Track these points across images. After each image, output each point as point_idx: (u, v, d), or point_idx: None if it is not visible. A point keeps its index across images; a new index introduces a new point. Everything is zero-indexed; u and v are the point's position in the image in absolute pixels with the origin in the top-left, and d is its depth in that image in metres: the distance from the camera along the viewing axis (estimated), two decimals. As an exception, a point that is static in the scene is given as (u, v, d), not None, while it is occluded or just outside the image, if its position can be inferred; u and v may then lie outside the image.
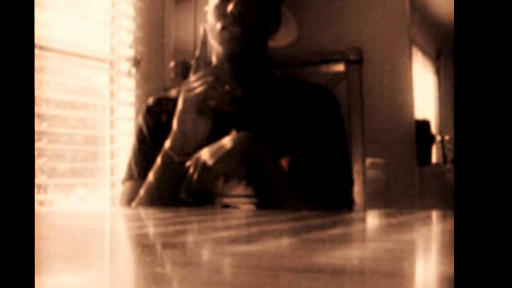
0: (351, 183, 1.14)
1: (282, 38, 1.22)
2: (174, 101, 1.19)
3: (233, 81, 1.14)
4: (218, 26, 1.10)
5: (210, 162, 0.97)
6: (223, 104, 0.99)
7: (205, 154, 0.99)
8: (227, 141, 1.00)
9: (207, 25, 1.16)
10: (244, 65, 1.14)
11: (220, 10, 1.10)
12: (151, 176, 1.02)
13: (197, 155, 0.99)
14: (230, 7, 1.07)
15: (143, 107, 1.21)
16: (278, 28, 1.19)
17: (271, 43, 1.20)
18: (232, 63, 1.13)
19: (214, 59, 1.17)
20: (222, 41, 1.10)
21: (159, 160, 1.02)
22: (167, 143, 1.02)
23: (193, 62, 1.41)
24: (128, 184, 1.15)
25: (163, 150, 1.03)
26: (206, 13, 1.19)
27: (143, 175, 1.14)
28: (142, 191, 1.04)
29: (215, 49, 1.16)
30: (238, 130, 1.06)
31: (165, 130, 1.15)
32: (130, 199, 1.13)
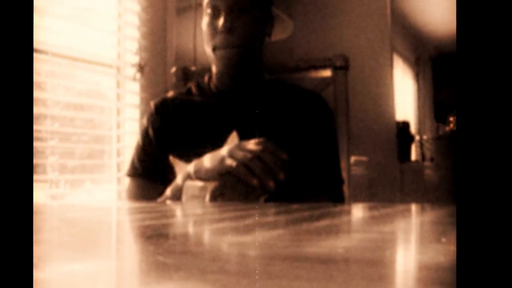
0: (342, 181, 1.14)
1: (278, 34, 1.19)
2: (177, 104, 1.17)
3: (233, 85, 1.13)
4: (211, 43, 1.05)
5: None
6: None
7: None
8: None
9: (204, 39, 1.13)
10: (241, 73, 1.12)
11: (211, 26, 1.05)
12: (179, 179, 0.97)
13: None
14: (221, 22, 1.02)
15: (149, 108, 1.19)
16: (272, 29, 1.15)
17: (268, 39, 1.17)
18: (229, 75, 1.11)
19: (213, 68, 1.15)
20: (216, 58, 1.07)
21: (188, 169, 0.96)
22: (193, 166, 0.94)
23: (193, 68, 1.40)
24: (134, 181, 1.14)
25: (188, 170, 0.95)
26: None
27: (147, 173, 1.12)
28: (168, 191, 0.98)
29: (213, 61, 1.12)
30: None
31: (169, 130, 1.13)
32: (136, 194, 1.12)
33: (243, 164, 0.85)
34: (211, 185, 0.88)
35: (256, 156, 0.85)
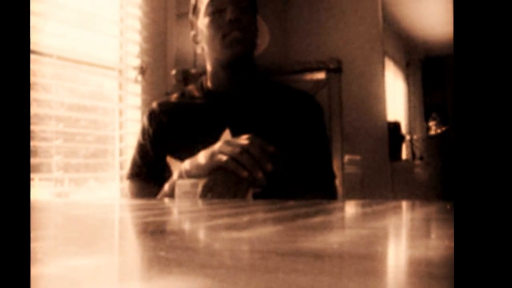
0: (333, 176, 1.14)
1: (258, 46, 1.21)
2: (175, 105, 1.18)
3: (228, 86, 1.14)
4: (219, 35, 1.08)
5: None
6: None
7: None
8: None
9: (203, 40, 1.14)
10: (239, 69, 1.12)
11: (217, 21, 1.07)
12: (176, 176, 0.98)
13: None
14: (228, 15, 1.05)
15: (147, 111, 1.19)
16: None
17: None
18: (229, 68, 1.12)
19: (209, 67, 1.16)
20: (223, 47, 1.08)
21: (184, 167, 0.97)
22: (186, 164, 0.96)
23: (193, 70, 1.40)
24: (134, 183, 1.14)
25: (181, 168, 0.96)
26: (194, 35, 1.17)
27: (147, 175, 1.13)
28: (166, 187, 1.00)
29: (211, 57, 1.13)
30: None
31: (166, 132, 1.14)
32: (137, 195, 1.12)
33: (233, 158, 0.87)
34: (202, 181, 0.89)
35: (244, 150, 0.87)
